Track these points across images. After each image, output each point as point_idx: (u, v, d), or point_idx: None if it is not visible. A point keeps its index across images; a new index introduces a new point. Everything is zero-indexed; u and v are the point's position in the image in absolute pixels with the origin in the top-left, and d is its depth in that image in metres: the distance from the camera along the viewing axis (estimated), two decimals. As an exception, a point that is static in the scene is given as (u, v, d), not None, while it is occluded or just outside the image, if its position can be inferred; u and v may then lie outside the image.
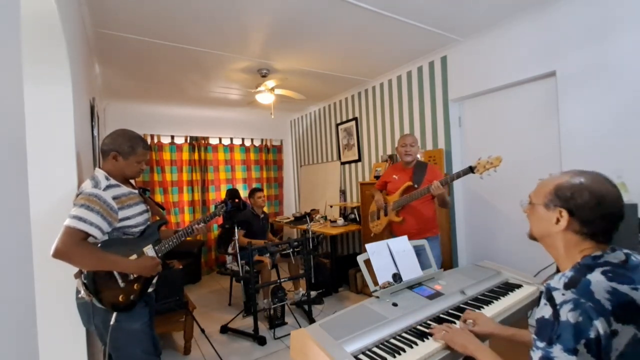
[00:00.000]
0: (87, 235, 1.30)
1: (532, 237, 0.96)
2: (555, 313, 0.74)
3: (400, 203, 2.39)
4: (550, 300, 0.77)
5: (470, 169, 2.05)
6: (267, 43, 2.80)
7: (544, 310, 0.77)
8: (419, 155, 3.20)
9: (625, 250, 0.82)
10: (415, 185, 2.37)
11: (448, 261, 3.04)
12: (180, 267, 3.07)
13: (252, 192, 3.67)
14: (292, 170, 6.05)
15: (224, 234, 3.67)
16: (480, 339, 1.21)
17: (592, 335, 0.69)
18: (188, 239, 1.79)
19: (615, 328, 0.69)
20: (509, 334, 1.16)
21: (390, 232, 2.52)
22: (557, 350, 0.72)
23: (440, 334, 1.14)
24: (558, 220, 0.85)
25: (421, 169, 2.46)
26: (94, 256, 1.31)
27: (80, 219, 1.28)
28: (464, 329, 1.17)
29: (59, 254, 1.24)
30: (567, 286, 0.77)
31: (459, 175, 2.10)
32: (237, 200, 2.04)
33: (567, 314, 0.72)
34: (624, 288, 0.73)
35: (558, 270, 0.90)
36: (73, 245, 1.26)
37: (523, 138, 2.65)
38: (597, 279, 0.75)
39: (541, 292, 0.82)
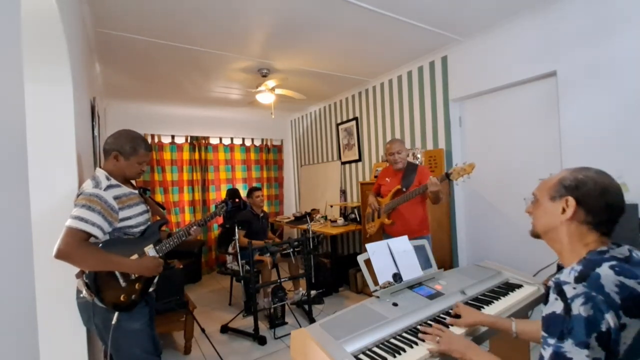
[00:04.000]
0: (89, 235, 1.30)
1: (535, 235, 0.98)
2: (567, 307, 0.74)
3: (390, 206, 2.49)
4: (561, 294, 0.76)
5: (447, 176, 2.16)
6: (267, 43, 2.80)
7: (555, 306, 0.77)
8: (419, 155, 3.22)
9: (628, 247, 0.83)
10: (404, 189, 2.43)
11: (448, 261, 3.04)
12: (181, 266, 3.08)
13: (250, 192, 3.67)
14: (293, 170, 6.05)
15: (225, 234, 3.67)
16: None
17: (604, 328, 0.69)
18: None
19: (624, 321, 0.70)
20: (490, 322, 1.20)
21: (383, 232, 2.62)
22: (568, 344, 0.72)
23: (434, 342, 1.10)
24: (564, 210, 0.86)
25: (411, 171, 2.52)
26: (96, 257, 1.32)
27: (81, 219, 1.28)
28: (460, 335, 1.14)
29: (61, 255, 1.24)
30: (577, 280, 0.76)
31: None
32: (237, 200, 2.04)
33: (579, 308, 0.72)
34: (631, 282, 0.73)
35: (559, 267, 0.90)
36: (75, 246, 1.26)
37: (523, 138, 2.65)
38: (606, 273, 0.75)
39: (549, 288, 0.81)
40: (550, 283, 0.81)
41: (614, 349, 0.70)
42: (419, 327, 1.23)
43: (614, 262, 0.77)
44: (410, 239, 1.68)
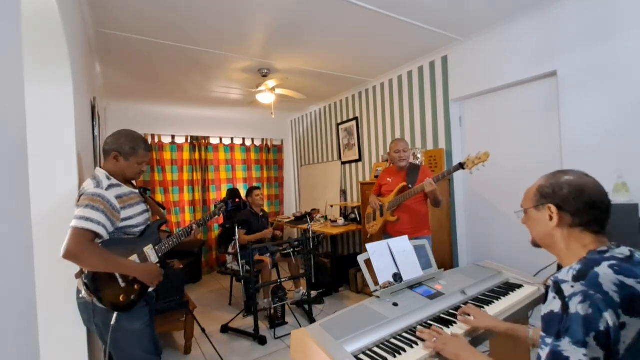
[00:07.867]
0: (95, 235, 1.30)
1: (535, 244, 0.98)
2: (565, 305, 0.73)
3: (396, 202, 2.49)
4: (559, 292, 0.75)
5: (460, 165, 2.13)
6: (267, 43, 2.80)
7: (553, 304, 0.76)
8: (419, 155, 3.22)
9: (630, 248, 0.82)
10: (410, 186, 2.45)
11: (448, 261, 3.04)
12: (181, 266, 3.08)
13: (250, 191, 3.65)
14: (293, 170, 6.05)
15: (225, 234, 3.67)
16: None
17: (602, 327, 0.68)
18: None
19: (623, 320, 0.69)
20: (506, 328, 1.17)
21: (385, 232, 2.61)
22: (565, 343, 0.71)
23: (430, 342, 1.09)
24: (551, 218, 0.88)
25: (414, 170, 2.55)
26: (102, 257, 1.32)
27: (87, 219, 1.28)
28: (455, 334, 1.13)
29: (69, 255, 1.24)
30: (575, 278, 0.75)
31: (449, 172, 2.19)
32: (237, 200, 2.04)
33: (576, 306, 0.71)
34: (631, 281, 0.72)
35: (559, 267, 0.90)
36: (84, 246, 1.26)
37: (524, 138, 2.64)
38: (604, 272, 0.74)
39: (547, 287, 0.80)
40: (549, 282, 0.81)
41: (614, 348, 0.69)
42: (417, 327, 1.23)
43: (614, 262, 0.76)
44: (410, 239, 1.68)
